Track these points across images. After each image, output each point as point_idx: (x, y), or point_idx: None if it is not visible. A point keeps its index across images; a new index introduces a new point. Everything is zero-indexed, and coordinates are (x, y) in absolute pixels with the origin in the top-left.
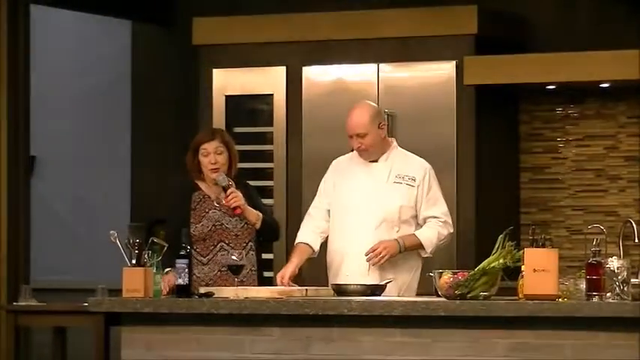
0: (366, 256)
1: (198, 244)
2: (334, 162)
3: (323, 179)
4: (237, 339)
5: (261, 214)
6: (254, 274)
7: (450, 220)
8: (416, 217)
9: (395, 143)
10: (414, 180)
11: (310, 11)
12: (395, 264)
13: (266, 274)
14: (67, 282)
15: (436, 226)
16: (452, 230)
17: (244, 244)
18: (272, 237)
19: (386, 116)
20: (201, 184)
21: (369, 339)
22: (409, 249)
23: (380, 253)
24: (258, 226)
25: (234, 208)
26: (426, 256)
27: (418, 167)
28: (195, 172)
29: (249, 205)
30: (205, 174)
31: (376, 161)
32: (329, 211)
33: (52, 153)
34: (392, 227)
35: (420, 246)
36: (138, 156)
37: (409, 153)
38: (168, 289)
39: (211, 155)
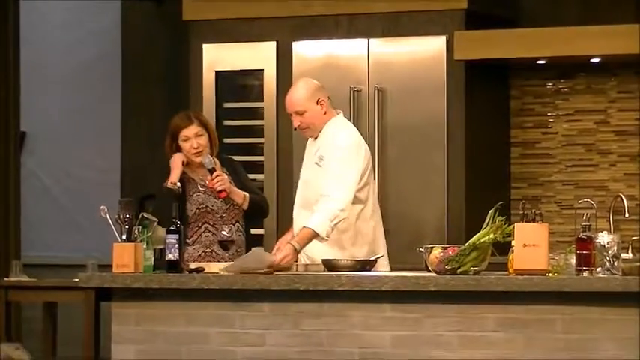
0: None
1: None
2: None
3: None
4: (227, 314)
5: (247, 195)
6: (240, 254)
7: (338, 197)
8: None
9: (336, 119)
10: (323, 159)
11: None
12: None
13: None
14: (57, 257)
15: (322, 205)
16: (341, 207)
17: (231, 225)
18: (259, 216)
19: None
20: (184, 169)
21: (359, 314)
22: (306, 243)
23: (281, 261)
24: (245, 206)
25: (220, 192)
26: (324, 239)
27: (331, 145)
28: None
29: (236, 184)
30: (188, 159)
31: (315, 140)
32: None
33: (43, 129)
34: (309, 213)
35: (315, 234)
36: (128, 131)
37: (337, 129)
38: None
39: (192, 140)
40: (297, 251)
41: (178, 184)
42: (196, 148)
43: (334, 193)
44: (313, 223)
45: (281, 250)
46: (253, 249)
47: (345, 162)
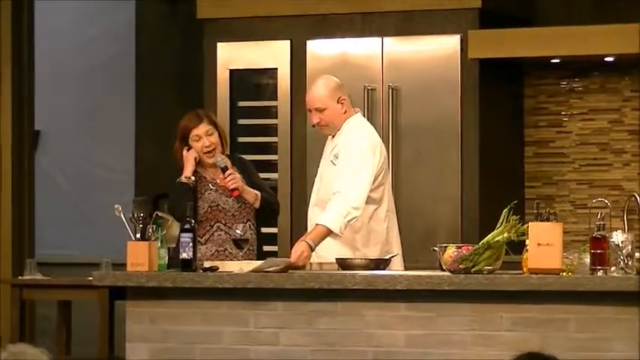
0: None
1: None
2: None
3: None
4: (241, 313)
5: (259, 193)
6: (252, 253)
7: (351, 194)
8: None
9: (354, 117)
10: (337, 158)
11: None
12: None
13: (270, 248)
14: (71, 256)
15: (335, 202)
16: (354, 205)
17: (243, 224)
18: (271, 215)
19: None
20: (198, 168)
21: (373, 313)
22: (320, 240)
23: (297, 260)
24: (257, 205)
25: (232, 190)
26: (338, 236)
27: (347, 144)
28: (182, 159)
29: (247, 182)
30: (200, 158)
31: (332, 140)
32: None
33: (57, 127)
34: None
35: (328, 231)
36: (142, 130)
37: (355, 128)
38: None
39: (203, 139)
40: (312, 248)
41: (192, 177)
42: (208, 147)
43: (347, 190)
44: (326, 219)
45: (295, 250)
46: (267, 259)
47: (359, 160)
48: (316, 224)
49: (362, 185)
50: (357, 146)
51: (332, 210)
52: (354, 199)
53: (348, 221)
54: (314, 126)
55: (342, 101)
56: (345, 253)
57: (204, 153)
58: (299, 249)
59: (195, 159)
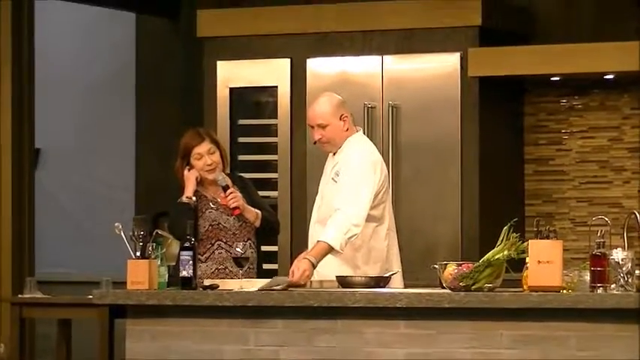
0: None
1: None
2: None
3: None
4: (241, 331)
5: (260, 212)
6: (252, 271)
7: (351, 212)
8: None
9: (355, 136)
10: (339, 175)
11: (314, 3)
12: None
13: (270, 266)
14: (71, 274)
15: (336, 219)
16: (354, 221)
17: (243, 242)
18: (271, 233)
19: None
20: (198, 187)
21: (373, 331)
22: (322, 257)
23: (300, 278)
24: (257, 224)
25: (234, 209)
26: (339, 252)
27: (348, 161)
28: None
29: (247, 201)
30: (202, 176)
31: (333, 157)
32: None
33: (57, 145)
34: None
35: (330, 248)
36: (142, 148)
37: (361, 145)
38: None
39: (205, 157)
40: (314, 266)
41: (194, 197)
42: (210, 165)
43: (348, 207)
44: (327, 236)
45: (298, 268)
46: (273, 278)
47: (360, 178)
48: (317, 241)
49: (362, 202)
50: (358, 164)
51: (333, 227)
52: (354, 216)
53: (349, 238)
54: (315, 143)
55: (345, 118)
56: (346, 271)
57: (206, 171)
58: (301, 266)
59: (197, 178)
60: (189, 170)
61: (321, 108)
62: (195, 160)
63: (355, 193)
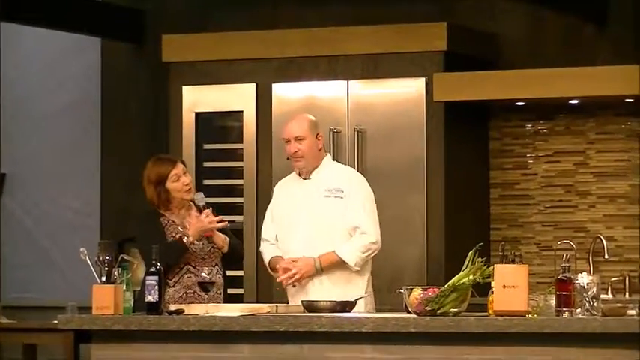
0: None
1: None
2: (276, 186)
3: (269, 207)
4: (207, 356)
5: (228, 238)
6: (219, 296)
7: (371, 230)
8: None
9: (328, 157)
10: (342, 191)
11: (279, 28)
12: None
13: (236, 291)
14: (37, 299)
15: (356, 238)
16: (374, 240)
17: (211, 267)
18: (236, 259)
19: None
20: (166, 212)
21: (339, 355)
22: (329, 266)
23: (294, 275)
24: (225, 250)
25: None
26: (354, 269)
27: (345, 178)
28: (164, 204)
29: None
30: (180, 198)
31: (309, 178)
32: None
33: (23, 170)
34: (328, 242)
35: (341, 261)
36: (108, 173)
37: (340, 165)
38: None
39: (182, 177)
40: (317, 269)
41: (195, 243)
42: (187, 185)
43: (369, 228)
44: (343, 251)
45: (306, 263)
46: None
47: (371, 198)
48: (333, 251)
49: (376, 219)
50: (362, 181)
51: (351, 244)
52: (374, 235)
53: (367, 256)
54: (288, 158)
55: (320, 138)
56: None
57: (185, 191)
58: (306, 262)
59: (202, 231)
60: (165, 192)
61: (299, 122)
62: (173, 182)
63: (371, 211)
